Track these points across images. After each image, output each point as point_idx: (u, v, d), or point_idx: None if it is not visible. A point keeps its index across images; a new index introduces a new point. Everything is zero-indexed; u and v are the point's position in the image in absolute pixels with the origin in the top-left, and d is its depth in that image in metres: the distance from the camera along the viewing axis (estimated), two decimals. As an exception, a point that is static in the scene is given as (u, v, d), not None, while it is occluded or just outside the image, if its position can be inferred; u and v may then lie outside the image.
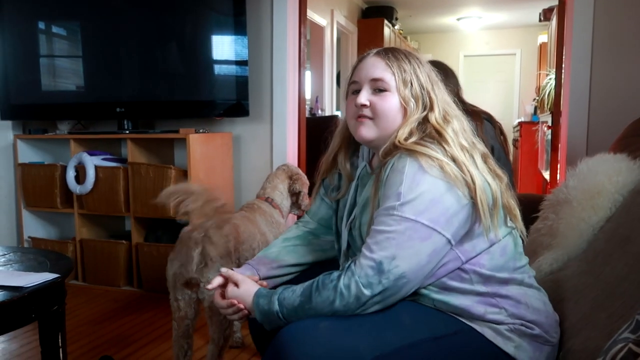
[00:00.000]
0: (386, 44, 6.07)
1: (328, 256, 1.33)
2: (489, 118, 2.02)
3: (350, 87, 1.16)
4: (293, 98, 2.98)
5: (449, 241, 1.00)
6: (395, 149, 1.05)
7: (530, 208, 1.73)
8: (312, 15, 4.58)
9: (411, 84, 1.10)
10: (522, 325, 1.04)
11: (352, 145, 1.24)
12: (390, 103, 1.10)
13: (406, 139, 1.05)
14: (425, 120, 1.09)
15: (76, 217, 2.91)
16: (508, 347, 1.02)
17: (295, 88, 3.00)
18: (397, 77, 1.09)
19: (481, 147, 1.12)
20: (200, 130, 2.78)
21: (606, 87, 2.47)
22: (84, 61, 3.01)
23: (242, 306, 1.12)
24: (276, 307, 1.03)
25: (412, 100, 1.09)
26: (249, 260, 1.32)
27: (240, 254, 1.76)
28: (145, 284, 2.77)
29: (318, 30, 4.91)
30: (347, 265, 1.02)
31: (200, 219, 1.44)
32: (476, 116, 1.94)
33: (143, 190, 2.70)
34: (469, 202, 1.00)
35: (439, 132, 1.06)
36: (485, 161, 1.09)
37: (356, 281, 0.97)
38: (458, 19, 7.15)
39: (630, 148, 1.72)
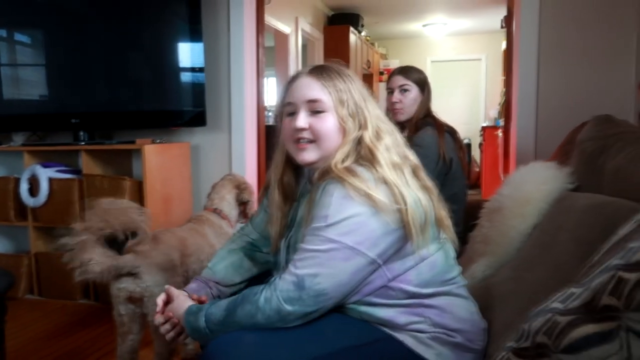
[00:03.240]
0: (352, 51, 6.15)
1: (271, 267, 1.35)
2: (451, 132, 2.07)
3: (285, 109, 1.16)
4: (252, 107, 2.99)
5: (374, 261, 1.02)
6: (329, 172, 1.06)
7: (472, 215, 1.78)
8: (276, 22, 4.60)
9: (347, 103, 1.11)
10: (443, 333, 1.07)
11: (291, 164, 1.22)
12: (329, 124, 1.10)
13: (342, 162, 1.06)
14: (360, 140, 1.10)
15: (31, 230, 2.86)
16: (429, 355, 1.05)
17: (253, 97, 3.01)
18: (333, 97, 1.10)
19: (412, 158, 1.14)
20: (157, 141, 2.76)
21: (553, 94, 2.54)
22: (37, 72, 2.97)
23: (175, 321, 1.15)
24: (202, 323, 1.05)
25: (350, 119, 1.10)
26: (198, 276, 1.34)
27: (187, 267, 1.77)
28: (102, 296, 2.74)
29: (282, 37, 4.93)
30: (272, 279, 1.04)
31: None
32: (439, 128, 1.99)
33: (98, 202, 2.67)
34: (398, 227, 1.02)
35: (372, 152, 1.08)
36: (415, 174, 1.12)
37: (277, 296, 0.99)
38: (424, 25, 7.26)
39: (567, 155, 1.78)
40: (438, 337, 1.06)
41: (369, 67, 6.99)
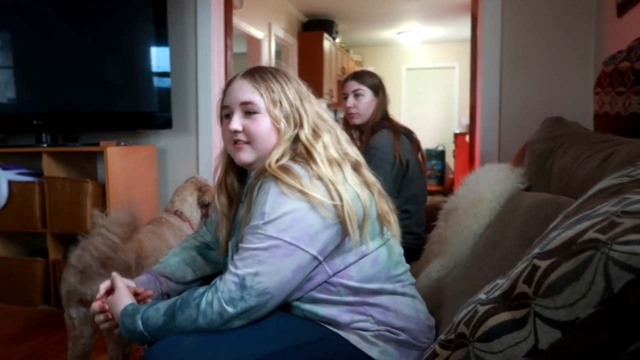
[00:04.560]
0: (327, 57, 6.17)
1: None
2: (407, 133, 2.08)
3: (222, 112, 1.18)
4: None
5: (315, 257, 1.02)
6: (264, 171, 1.06)
7: (433, 216, 1.79)
8: (248, 28, 4.59)
9: (280, 103, 1.12)
10: (387, 331, 1.07)
11: (235, 165, 1.23)
12: (262, 125, 1.11)
13: (278, 161, 1.07)
14: (296, 138, 1.11)
15: (-10, 235, 2.79)
16: (373, 352, 1.05)
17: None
18: (265, 98, 1.11)
19: (354, 156, 1.15)
20: (122, 143, 2.72)
21: (515, 99, 2.59)
22: (-1, 72, 2.90)
23: (109, 315, 1.13)
24: (140, 327, 1.04)
25: (283, 119, 1.12)
26: (149, 269, 1.33)
27: (144, 269, 1.73)
28: (63, 302, 2.67)
29: (255, 43, 4.92)
30: (213, 281, 1.03)
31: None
32: (395, 130, 2.01)
33: (60, 205, 2.61)
34: (336, 222, 1.02)
35: (308, 150, 1.09)
36: (357, 170, 1.13)
37: (219, 298, 0.98)
38: (398, 33, 7.34)
39: (525, 157, 1.81)
40: (382, 334, 1.06)
41: (343, 74, 7.02)
